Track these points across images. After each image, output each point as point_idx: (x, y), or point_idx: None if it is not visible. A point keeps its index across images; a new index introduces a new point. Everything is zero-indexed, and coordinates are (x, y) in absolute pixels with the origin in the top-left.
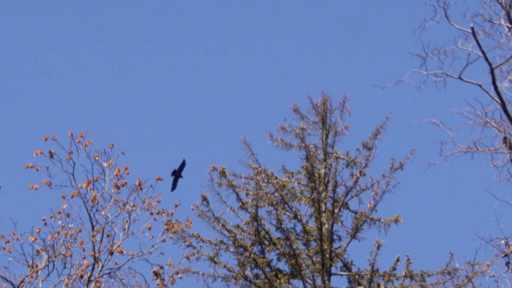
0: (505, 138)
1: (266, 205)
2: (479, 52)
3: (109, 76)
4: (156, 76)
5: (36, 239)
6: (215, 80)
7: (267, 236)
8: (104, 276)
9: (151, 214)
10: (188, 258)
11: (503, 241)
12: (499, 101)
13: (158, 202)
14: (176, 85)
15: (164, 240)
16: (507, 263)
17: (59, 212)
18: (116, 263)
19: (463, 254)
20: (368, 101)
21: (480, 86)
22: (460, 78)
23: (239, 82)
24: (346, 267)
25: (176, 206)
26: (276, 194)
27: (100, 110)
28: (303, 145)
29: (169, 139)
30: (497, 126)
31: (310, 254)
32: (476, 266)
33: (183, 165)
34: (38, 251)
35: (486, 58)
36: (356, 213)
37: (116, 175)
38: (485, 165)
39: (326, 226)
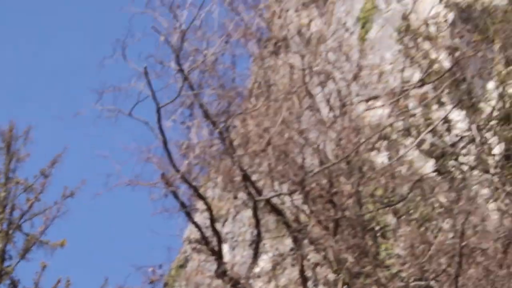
0: (163, 174)
1: None
2: (150, 92)
3: None
4: None
5: None
6: None
7: None
8: None
9: None
10: None
11: (150, 269)
12: (162, 138)
13: None
14: None
15: None
16: None
17: None
18: None
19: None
20: (51, 131)
21: (147, 123)
22: (130, 115)
23: None
24: (14, 284)
25: None
26: None
27: None
28: None
29: None
30: (158, 162)
31: None
32: None
33: None
34: None
35: (154, 97)
36: (28, 235)
37: None
38: (145, 197)
39: (0, 246)
